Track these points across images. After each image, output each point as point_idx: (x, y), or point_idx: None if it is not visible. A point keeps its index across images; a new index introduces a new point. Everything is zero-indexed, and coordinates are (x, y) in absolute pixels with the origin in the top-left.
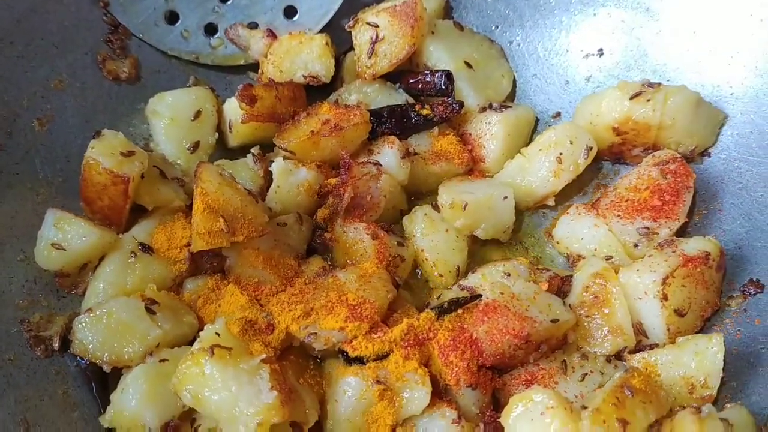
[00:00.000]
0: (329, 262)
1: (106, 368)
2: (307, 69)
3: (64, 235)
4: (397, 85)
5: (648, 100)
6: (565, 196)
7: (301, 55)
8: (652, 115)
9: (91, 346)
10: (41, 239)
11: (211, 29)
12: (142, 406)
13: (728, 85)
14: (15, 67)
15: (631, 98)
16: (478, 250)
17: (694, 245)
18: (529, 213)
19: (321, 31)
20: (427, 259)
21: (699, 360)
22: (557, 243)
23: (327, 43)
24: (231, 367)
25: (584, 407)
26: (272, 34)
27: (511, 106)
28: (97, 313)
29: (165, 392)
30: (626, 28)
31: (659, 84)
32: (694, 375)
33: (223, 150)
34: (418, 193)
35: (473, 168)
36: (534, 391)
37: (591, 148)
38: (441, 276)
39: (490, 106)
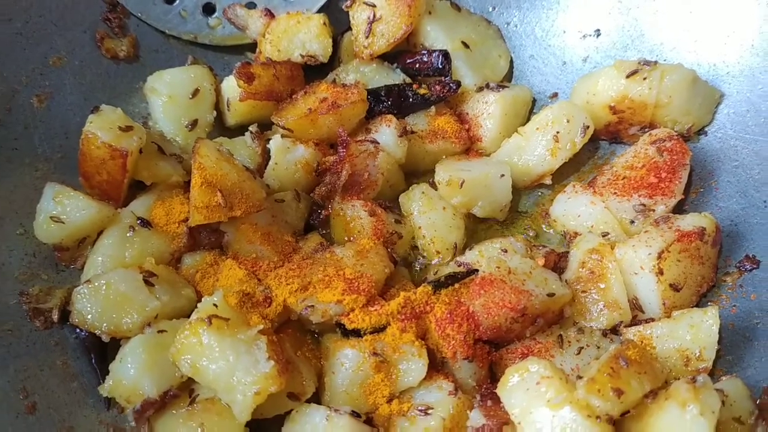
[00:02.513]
0: (327, 239)
1: (105, 338)
2: (304, 48)
3: (63, 209)
4: (395, 64)
5: (644, 79)
6: (562, 175)
7: (299, 35)
8: (648, 94)
9: (89, 316)
10: (40, 212)
11: (209, 9)
12: (140, 376)
13: (724, 64)
14: (14, 44)
15: (628, 77)
16: (476, 228)
17: (689, 221)
18: (526, 191)
19: (319, 11)
20: (424, 236)
21: (694, 332)
22: (554, 221)
23: (324, 23)
24: (228, 337)
25: (579, 377)
26: (270, 14)
27: (508, 86)
28: (96, 284)
29: (163, 362)
30: (623, 8)
31: (656, 62)
32: (689, 347)
33: (221, 129)
34: (416, 171)
35: (470, 147)
36: (529, 362)
37: (588, 127)
38: (438, 253)
39: (487, 86)
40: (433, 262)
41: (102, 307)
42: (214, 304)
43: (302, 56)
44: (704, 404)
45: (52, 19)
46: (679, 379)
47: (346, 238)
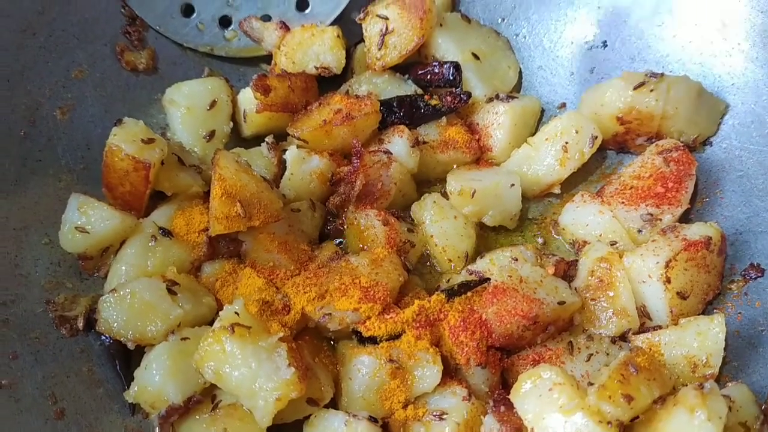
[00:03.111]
0: (341, 248)
1: (131, 346)
2: (319, 60)
3: (87, 219)
4: (407, 76)
5: (651, 90)
6: (571, 184)
7: (313, 47)
8: (655, 105)
9: (115, 324)
10: (65, 223)
11: (225, 22)
12: (165, 382)
13: (729, 75)
14: (37, 57)
15: (635, 88)
16: (486, 237)
17: (696, 230)
18: (535, 201)
19: (332, 24)
20: (436, 245)
21: (701, 340)
22: (563, 230)
23: (338, 36)
24: (250, 345)
25: (590, 384)
26: (285, 27)
27: (517, 97)
28: (121, 293)
29: (187, 368)
30: (630, 20)
31: (662, 74)
32: (696, 354)
33: (238, 139)
34: (428, 181)
35: (481, 157)
36: (542, 369)
37: (596, 137)
38: (450, 261)
39: (497, 97)
40: (445, 271)
41: (127, 316)
42: (236, 313)
43: (316, 68)
44: (711, 410)
45: (74, 33)
46: (686, 385)
47: (360, 247)
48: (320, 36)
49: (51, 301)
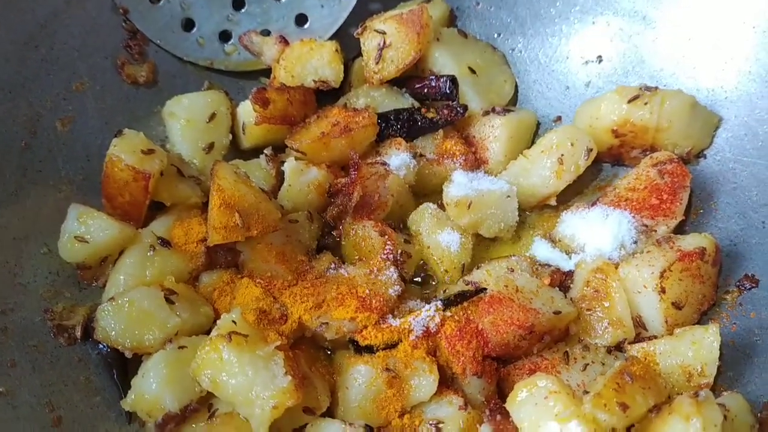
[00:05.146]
0: (339, 259)
1: (128, 354)
2: (317, 74)
3: (86, 229)
4: (404, 89)
5: (645, 103)
6: (567, 197)
7: (312, 61)
8: (649, 118)
9: (113, 332)
10: (65, 232)
11: (225, 36)
12: (162, 390)
13: (722, 89)
14: (39, 69)
15: (629, 101)
16: (483, 248)
17: (690, 241)
18: (531, 212)
19: (331, 38)
20: (433, 256)
21: (696, 349)
22: (559, 241)
23: (336, 50)
24: (247, 353)
25: (586, 392)
26: (284, 41)
27: (513, 110)
28: (119, 301)
29: (184, 377)
30: (624, 35)
31: (656, 88)
32: (691, 364)
33: (237, 152)
34: (424, 192)
35: (477, 169)
36: (538, 378)
37: (591, 150)
38: (447, 272)
39: (493, 110)
40: (441, 282)
41: (125, 324)
42: (233, 321)
43: (315, 81)
44: (706, 418)
45: (75, 46)
46: (681, 394)
47: (357, 258)
48: (319, 50)
49: (49, 309)
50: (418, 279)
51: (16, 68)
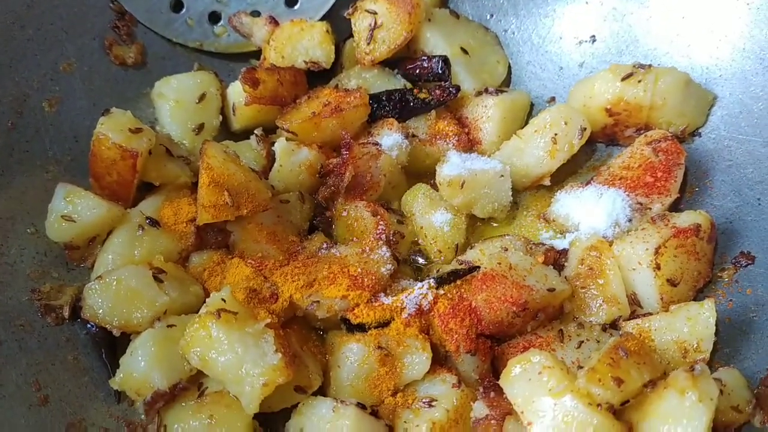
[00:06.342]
0: (331, 239)
1: (116, 333)
2: (308, 55)
3: (74, 208)
4: (396, 70)
5: (639, 81)
6: (560, 176)
7: (303, 42)
8: (643, 96)
9: (101, 311)
10: (52, 212)
11: (214, 17)
12: (150, 368)
13: (717, 67)
14: (26, 49)
15: (623, 80)
16: (476, 228)
17: (685, 218)
18: (525, 192)
19: (322, 19)
20: (426, 236)
21: (691, 325)
22: (553, 220)
23: (327, 30)
24: (237, 331)
25: (580, 368)
26: (274, 22)
27: (506, 90)
28: (107, 280)
29: (173, 355)
30: (617, 15)
31: (650, 66)
32: (687, 339)
33: (227, 133)
34: (417, 173)
35: (470, 149)
36: (531, 353)
37: (585, 129)
38: (440, 252)
39: (486, 90)
40: (435, 261)
41: (113, 303)
42: (223, 299)
43: (306, 62)
44: (703, 391)
45: (63, 26)
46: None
47: (349, 238)
48: (309, 31)
49: (36, 289)
50: (419, 260)
51: (3, 48)
